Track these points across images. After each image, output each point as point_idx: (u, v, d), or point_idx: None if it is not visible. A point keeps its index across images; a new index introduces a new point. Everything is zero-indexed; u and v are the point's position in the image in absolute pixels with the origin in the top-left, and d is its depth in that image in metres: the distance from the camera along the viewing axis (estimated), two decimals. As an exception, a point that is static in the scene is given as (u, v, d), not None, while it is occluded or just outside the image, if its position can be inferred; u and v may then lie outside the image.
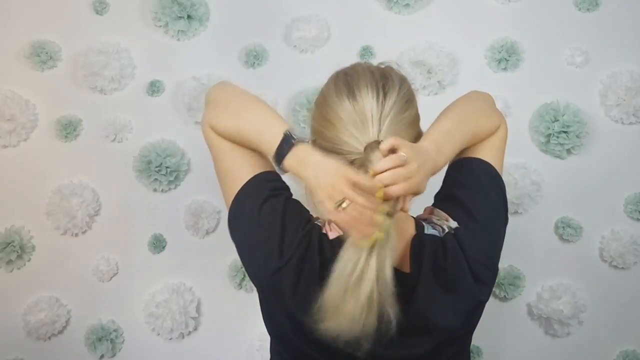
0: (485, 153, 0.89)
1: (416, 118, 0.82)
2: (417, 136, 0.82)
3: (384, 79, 0.79)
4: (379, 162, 0.70)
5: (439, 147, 0.79)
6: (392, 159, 0.70)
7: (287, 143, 0.77)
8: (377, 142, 0.74)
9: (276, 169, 0.81)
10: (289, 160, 0.77)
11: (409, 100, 0.80)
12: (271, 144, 0.79)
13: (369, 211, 0.70)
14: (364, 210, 0.70)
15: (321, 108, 0.81)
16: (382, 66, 0.84)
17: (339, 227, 0.79)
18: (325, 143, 0.79)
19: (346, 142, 0.77)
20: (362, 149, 0.75)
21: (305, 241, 0.78)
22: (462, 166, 0.86)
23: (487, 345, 1.49)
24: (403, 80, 0.81)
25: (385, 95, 0.77)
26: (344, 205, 0.70)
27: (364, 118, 0.76)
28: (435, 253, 0.79)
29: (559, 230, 1.48)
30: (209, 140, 0.88)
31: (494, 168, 0.88)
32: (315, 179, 0.74)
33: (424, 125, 0.86)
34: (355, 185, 0.70)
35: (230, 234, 0.85)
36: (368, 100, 0.76)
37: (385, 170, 0.70)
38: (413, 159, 0.71)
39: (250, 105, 0.86)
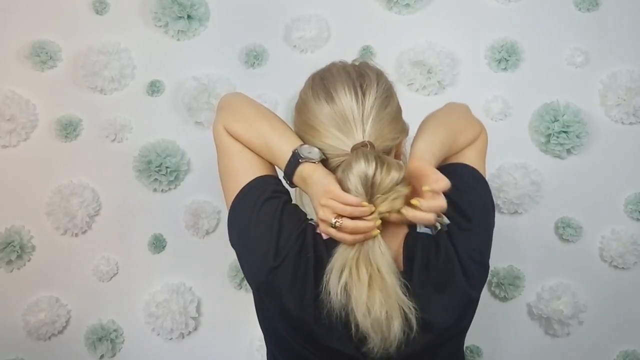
0: (469, 158, 0.91)
1: (398, 112, 0.84)
2: (401, 129, 0.84)
3: (361, 78, 0.80)
4: (427, 204, 0.72)
5: (437, 159, 0.83)
6: (434, 207, 0.72)
7: (294, 162, 0.80)
8: (364, 145, 0.76)
9: (286, 182, 0.85)
10: (296, 181, 0.82)
11: (388, 95, 0.81)
12: (280, 161, 0.83)
13: (362, 223, 0.73)
14: (358, 224, 0.73)
15: (302, 114, 0.84)
16: (357, 63, 0.85)
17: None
18: None
19: (332, 145, 0.79)
20: (348, 150, 0.77)
21: (300, 240, 0.79)
22: (450, 171, 0.88)
23: (487, 345, 1.49)
24: (380, 76, 0.83)
25: (364, 94, 0.79)
26: (337, 224, 0.73)
27: (345, 119, 0.78)
28: (428, 251, 0.80)
29: (559, 230, 1.48)
30: (220, 140, 0.89)
31: (478, 171, 0.91)
32: (313, 199, 0.78)
33: (414, 125, 0.87)
34: (342, 202, 0.73)
35: (229, 233, 0.86)
36: (347, 101, 0.78)
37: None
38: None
39: (265, 118, 0.88)
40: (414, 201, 0.73)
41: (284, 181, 0.85)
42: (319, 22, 1.51)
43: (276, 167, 0.88)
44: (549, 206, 1.48)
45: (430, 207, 0.72)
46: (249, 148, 0.87)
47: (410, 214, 0.73)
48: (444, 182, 0.71)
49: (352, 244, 0.75)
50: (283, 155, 0.82)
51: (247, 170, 0.85)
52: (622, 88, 1.46)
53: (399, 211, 0.74)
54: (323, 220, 0.76)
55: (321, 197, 0.76)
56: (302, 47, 1.51)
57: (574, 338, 1.48)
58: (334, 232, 0.75)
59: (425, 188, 0.72)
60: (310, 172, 0.79)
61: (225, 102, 0.94)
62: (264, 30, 1.53)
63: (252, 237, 0.81)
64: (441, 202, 0.72)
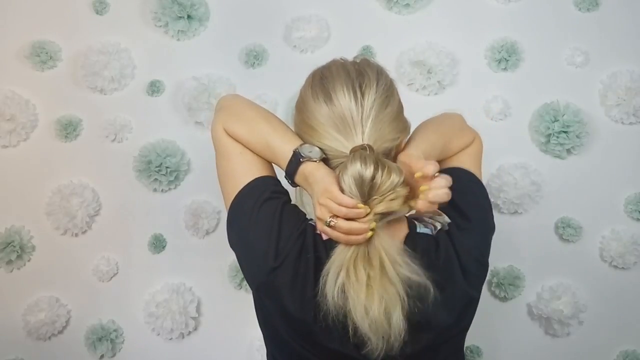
0: (463, 162, 0.91)
1: (399, 110, 0.83)
2: (402, 128, 0.83)
3: (360, 77, 0.79)
4: (435, 182, 0.73)
5: (426, 154, 0.82)
6: (443, 184, 0.73)
7: (295, 162, 0.80)
8: (363, 148, 0.75)
9: (288, 182, 0.84)
10: (297, 178, 0.81)
11: (389, 94, 0.80)
12: (282, 161, 0.82)
13: (357, 225, 0.73)
14: (352, 225, 0.73)
15: (301, 113, 0.83)
16: (358, 60, 0.84)
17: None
18: None
19: (330, 146, 0.79)
20: (347, 152, 0.77)
21: (300, 240, 0.79)
22: (446, 175, 0.88)
23: (487, 345, 1.49)
24: (380, 74, 0.82)
25: (363, 95, 0.78)
26: (332, 223, 0.74)
27: (344, 121, 0.78)
28: (428, 251, 0.80)
29: (559, 230, 1.48)
30: (219, 141, 0.89)
31: (474, 174, 0.91)
32: (314, 197, 0.78)
33: (414, 125, 0.88)
34: (338, 203, 0.74)
35: (228, 234, 0.86)
36: (345, 103, 0.77)
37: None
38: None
39: (265, 119, 0.88)
40: (422, 187, 0.73)
41: (285, 181, 0.86)
42: (319, 22, 1.51)
43: (278, 167, 0.88)
44: (549, 206, 1.48)
45: (438, 185, 0.73)
46: (249, 149, 0.87)
47: (430, 194, 0.73)
48: (432, 166, 0.73)
49: (346, 244, 0.75)
50: (285, 155, 0.82)
51: (247, 172, 0.85)
52: (622, 88, 1.46)
53: (409, 206, 0.75)
54: (319, 219, 0.76)
55: (320, 196, 0.76)
56: (302, 47, 1.51)
57: (574, 338, 1.48)
58: (329, 231, 0.75)
59: (417, 174, 0.73)
60: (312, 171, 0.79)
61: (224, 104, 0.94)
62: (264, 30, 1.53)
63: (252, 238, 0.81)
64: (445, 179, 0.73)
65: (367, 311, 0.70)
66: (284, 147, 0.83)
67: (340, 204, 0.73)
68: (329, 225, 0.74)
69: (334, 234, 0.75)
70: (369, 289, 0.71)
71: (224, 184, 0.88)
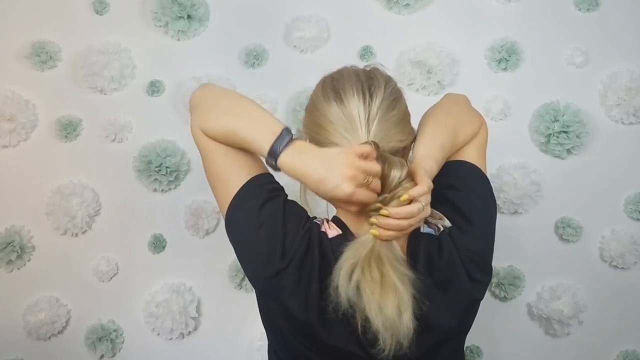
0: (468, 154, 0.91)
1: (405, 115, 0.84)
2: (409, 132, 0.84)
3: (370, 81, 0.82)
4: (396, 210, 0.74)
5: (438, 163, 0.83)
6: (405, 212, 0.74)
7: (284, 138, 0.76)
8: (368, 144, 0.76)
9: (268, 166, 0.80)
10: (287, 156, 0.76)
11: (395, 98, 0.82)
12: (265, 140, 0.77)
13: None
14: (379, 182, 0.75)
15: (311, 114, 0.84)
16: (368, 68, 0.86)
17: (352, 216, 0.81)
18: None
19: (337, 144, 0.79)
20: None
21: (306, 240, 0.79)
22: (450, 169, 0.88)
23: (487, 345, 1.49)
24: (388, 80, 0.84)
25: (371, 97, 0.80)
26: (368, 182, 0.74)
27: (352, 120, 0.79)
28: (431, 251, 0.80)
29: (559, 230, 1.48)
30: (200, 144, 0.85)
31: (480, 169, 0.90)
32: (323, 167, 0.74)
33: (415, 125, 0.88)
34: (368, 158, 0.74)
35: (230, 238, 0.84)
36: (355, 103, 0.79)
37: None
38: (427, 200, 0.75)
39: (240, 103, 0.84)
40: (382, 211, 0.75)
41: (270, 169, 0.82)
42: (319, 22, 1.51)
43: (259, 149, 0.81)
44: (549, 206, 1.48)
45: (396, 214, 0.74)
46: (230, 142, 0.82)
47: (380, 219, 0.75)
48: (420, 189, 0.75)
49: (372, 203, 0.75)
50: (268, 135, 0.77)
51: (238, 174, 0.82)
52: (622, 88, 1.46)
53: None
54: (352, 178, 0.73)
55: (353, 157, 0.73)
56: (302, 47, 1.51)
57: (574, 338, 1.48)
58: (360, 191, 0.73)
59: (403, 197, 0.75)
60: (309, 147, 0.77)
61: (195, 101, 0.89)
62: (264, 30, 1.53)
63: (256, 241, 0.79)
64: (410, 209, 0.75)
65: (382, 309, 0.70)
66: (268, 126, 0.79)
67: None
68: (363, 185, 0.73)
69: (367, 194, 0.74)
70: (384, 288, 0.71)
71: (214, 189, 0.85)
